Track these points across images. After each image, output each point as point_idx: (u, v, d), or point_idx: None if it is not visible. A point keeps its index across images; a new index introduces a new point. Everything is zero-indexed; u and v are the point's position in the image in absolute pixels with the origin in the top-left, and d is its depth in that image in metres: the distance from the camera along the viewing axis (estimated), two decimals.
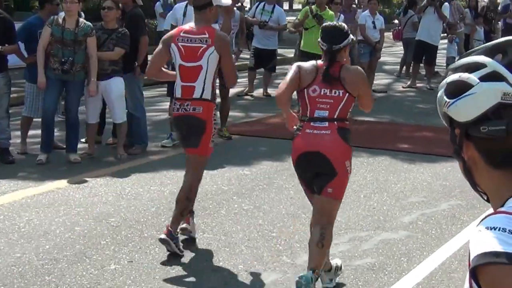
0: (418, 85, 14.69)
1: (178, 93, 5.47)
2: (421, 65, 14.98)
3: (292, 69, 4.69)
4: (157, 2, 17.52)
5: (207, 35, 5.34)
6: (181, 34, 5.45)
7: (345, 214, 6.22)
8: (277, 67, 17.34)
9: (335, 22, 5.07)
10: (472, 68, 1.50)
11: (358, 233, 5.75)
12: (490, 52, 1.50)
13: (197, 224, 5.88)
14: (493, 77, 1.47)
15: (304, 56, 11.20)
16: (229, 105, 9.63)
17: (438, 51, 14.73)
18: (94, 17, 16.56)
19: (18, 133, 8.49)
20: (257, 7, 13.28)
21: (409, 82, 14.52)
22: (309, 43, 11.21)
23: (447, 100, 1.53)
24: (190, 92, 5.38)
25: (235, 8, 9.84)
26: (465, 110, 1.49)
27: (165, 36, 5.74)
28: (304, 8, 11.73)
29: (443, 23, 14.50)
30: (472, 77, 1.49)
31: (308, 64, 4.68)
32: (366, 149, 8.79)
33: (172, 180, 7.30)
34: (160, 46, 5.56)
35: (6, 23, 8.01)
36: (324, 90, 4.57)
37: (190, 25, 5.53)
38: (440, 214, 6.34)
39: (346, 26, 4.76)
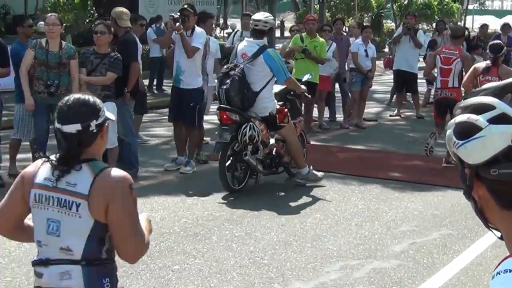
0: (407, 113, 14.85)
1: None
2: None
3: None
4: (149, 28, 17.70)
5: None
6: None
7: (337, 242, 6.29)
8: None
9: None
10: (480, 109, 1.49)
11: (350, 262, 5.81)
12: (499, 93, 1.49)
13: (188, 250, 5.94)
14: (502, 119, 1.46)
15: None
16: (203, 131, 9.67)
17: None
18: (85, 41, 16.72)
19: (8, 156, 8.53)
20: (234, 35, 13.43)
21: (395, 111, 14.70)
22: (300, 70, 11.34)
23: (456, 140, 1.51)
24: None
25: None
26: (474, 152, 1.48)
27: None
28: (295, 36, 11.84)
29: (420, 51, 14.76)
30: (481, 120, 1.47)
31: None
32: (357, 177, 8.89)
33: (162, 206, 7.35)
34: None
35: (0, 47, 8.09)
36: None
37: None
38: (431, 243, 6.42)
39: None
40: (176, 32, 8.66)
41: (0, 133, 8.45)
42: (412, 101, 15.53)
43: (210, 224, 6.74)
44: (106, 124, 2.93)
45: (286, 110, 8.29)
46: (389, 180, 8.84)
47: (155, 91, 17.47)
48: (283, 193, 8.08)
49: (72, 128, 2.82)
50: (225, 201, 7.59)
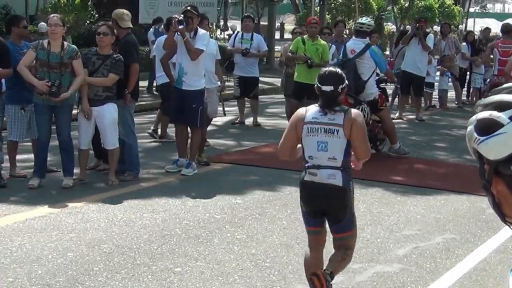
0: (409, 116, 14.85)
1: None
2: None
3: None
4: (150, 29, 17.70)
5: None
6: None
7: None
8: (266, 96, 17.51)
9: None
10: (502, 106, 1.53)
11: (352, 265, 5.77)
12: None
13: (189, 252, 5.92)
14: None
15: (298, 87, 11.34)
16: (205, 133, 9.70)
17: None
18: (86, 42, 16.73)
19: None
20: (235, 37, 13.45)
21: (397, 114, 14.69)
22: (302, 74, 11.33)
23: (477, 136, 1.55)
24: None
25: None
26: (495, 148, 1.52)
27: None
28: (296, 39, 11.80)
29: (429, 54, 14.73)
30: (503, 117, 1.52)
31: None
32: (359, 180, 8.82)
33: (164, 208, 7.34)
34: None
35: (1, 47, 8.08)
36: None
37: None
38: (434, 247, 6.40)
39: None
40: (178, 34, 8.65)
41: (1, 133, 8.43)
42: (412, 104, 15.53)
43: (212, 227, 6.73)
44: (345, 88, 4.85)
45: (384, 96, 10.45)
46: (391, 184, 8.83)
47: (155, 92, 17.45)
48: (284, 196, 8.06)
49: (327, 88, 4.75)
50: (227, 204, 7.58)
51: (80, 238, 6.23)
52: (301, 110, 4.88)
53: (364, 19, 11.03)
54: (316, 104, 4.82)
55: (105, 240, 6.19)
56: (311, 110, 4.80)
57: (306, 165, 4.79)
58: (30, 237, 6.20)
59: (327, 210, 4.86)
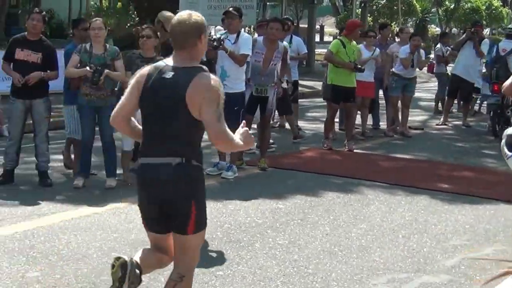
0: (454, 122, 14.74)
1: None
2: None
3: None
4: None
5: None
6: None
7: (383, 254, 6.29)
8: (307, 100, 17.54)
9: None
10: None
11: (397, 275, 5.80)
12: None
13: (231, 256, 6.00)
14: None
15: (336, 90, 11.35)
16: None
17: None
18: (126, 45, 16.99)
19: (56, 156, 8.73)
20: None
21: (442, 119, 14.58)
22: (340, 77, 11.32)
23: (507, 152, 1.61)
24: None
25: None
26: None
27: None
28: (335, 42, 11.75)
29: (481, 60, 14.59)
30: None
31: None
32: (403, 187, 8.85)
33: None
34: None
35: (49, 50, 8.33)
36: None
37: None
38: (484, 259, 6.31)
39: None
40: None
41: (49, 134, 8.66)
42: (459, 110, 15.41)
43: (253, 231, 6.79)
44: None
45: None
46: (438, 192, 8.77)
47: None
48: (326, 202, 8.10)
49: None
50: (268, 208, 7.64)
51: (124, 238, 6.37)
52: None
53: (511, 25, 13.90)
54: None
55: (148, 241, 6.27)
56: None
57: None
58: (75, 235, 6.37)
59: None
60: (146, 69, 4.10)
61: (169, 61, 4.07)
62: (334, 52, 11.31)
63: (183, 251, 4.12)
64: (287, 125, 13.17)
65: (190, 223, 4.03)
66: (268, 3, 36.47)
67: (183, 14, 4.09)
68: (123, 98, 4.13)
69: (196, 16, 4.08)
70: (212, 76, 4.00)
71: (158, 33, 8.45)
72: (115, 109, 4.12)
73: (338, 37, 13.46)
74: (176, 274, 4.13)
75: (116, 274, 3.95)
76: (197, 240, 4.15)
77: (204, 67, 4.05)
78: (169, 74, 3.97)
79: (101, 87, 8.10)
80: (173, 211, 4.03)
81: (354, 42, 11.52)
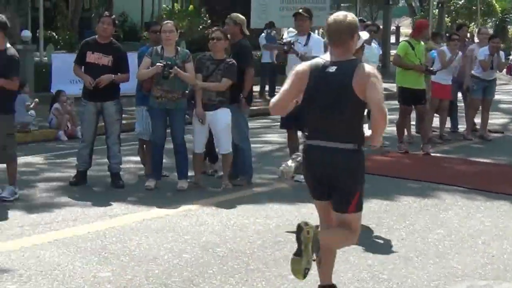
0: None
1: None
2: None
3: None
4: (261, 34, 17.94)
5: None
6: None
7: (462, 260, 6.12)
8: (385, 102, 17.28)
9: None
10: None
11: (477, 282, 5.63)
12: None
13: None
14: None
15: (404, 92, 11.17)
16: None
17: None
18: (198, 47, 17.20)
19: (128, 158, 8.86)
20: None
21: None
22: (408, 79, 11.13)
23: None
24: None
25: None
26: None
27: None
28: (402, 44, 11.48)
29: None
30: None
31: None
32: (482, 192, 8.62)
33: (277, 214, 7.42)
34: None
35: (120, 53, 8.48)
36: None
37: None
38: None
39: None
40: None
41: (121, 136, 8.83)
42: None
43: None
44: None
45: None
46: None
47: (268, 97, 17.69)
48: (401, 206, 7.96)
49: None
50: None
51: (195, 240, 6.40)
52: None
53: None
54: None
55: (219, 244, 6.33)
56: None
57: None
58: (147, 237, 6.45)
59: None
60: (305, 65, 4.73)
61: (326, 57, 4.65)
62: (401, 56, 11.13)
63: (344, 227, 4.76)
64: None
65: (352, 204, 4.66)
66: (342, 4, 36.25)
67: (339, 15, 4.64)
68: (283, 89, 4.72)
69: (351, 17, 4.64)
70: (368, 65, 4.63)
71: (228, 35, 8.48)
72: (276, 99, 4.77)
73: (405, 38, 13.20)
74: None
75: (304, 235, 4.60)
76: (357, 219, 4.77)
77: (358, 59, 4.73)
78: (332, 68, 4.56)
79: (172, 90, 8.16)
80: (339, 191, 4.64)
81: (422, 43, 11.33)
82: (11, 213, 7.17)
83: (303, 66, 4.72)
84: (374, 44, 11.11)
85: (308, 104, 4.68)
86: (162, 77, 8.10)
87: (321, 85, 4.58)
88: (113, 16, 8.66)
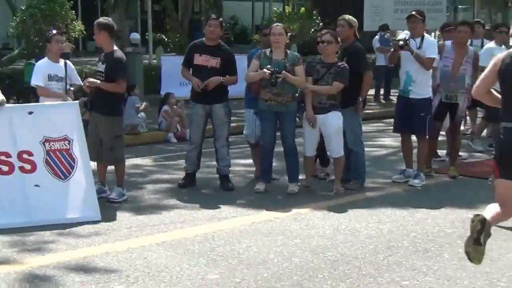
0: None
1: None
2: None
3: None
4: (375, 37, 17.73)
5: None
6: None
7: None
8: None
9: None
10: None
11: None
12: None
13: (417, 266, 5.81)
14: None
15: None
16: (434, 144, 9.60)
17: None
18: (310, 51, 17.19)
19: (237, 161, 8.95)
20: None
21: None
22: None
23: None
24: None
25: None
26: None
27: None
28: None
29: None
30: None
31: None
32: None
33: (390, 218, 7.28)
34: None
35: (228, 55, 8.55)
36: None
37: None
38: None
39: None
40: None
41: (230, 138, 8.93)
42: None
43: (441, 241, 6.55)
44: None
45: None
46: None
47: (382, 101, 17.48)
48: None
49: None
50: (457, 218, 7.33)
51: (305, 244, 6.36)
52: None
53: None
54: None
55: (330, 248, 6.26)
56: None
57: None
58: (256, 240, 6.47)
59: None
60: (501, 55, 5.18)
61: None
62: None
63: None
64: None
65: None
66: (459, 6, 35.42)
67: None
68: (483, 74, 5.22)
69: None
70: None
71: (338, 38, 8.41)
72: (477, 84, 5.28)
73: None
74: None
75: (475, 227, 4.96)
76: None
77: None
78: None
79: (281, 93, 8.17)
80: None
81: None
82: (119, 215, 7.37)
83: (500, 55, 5.19)
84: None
85: (504, 86, 5.12)
86: (270, 84, 8.13)
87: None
88: (220, 19, 8.75)
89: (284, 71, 8.10)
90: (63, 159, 7.22)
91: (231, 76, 8.48)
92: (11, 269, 5.62)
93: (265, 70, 8.11)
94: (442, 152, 10.51)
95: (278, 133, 8.50)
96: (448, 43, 9.43)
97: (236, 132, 10.85)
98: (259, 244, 6.32)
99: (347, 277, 5.55)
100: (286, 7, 28.93)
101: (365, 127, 10.70)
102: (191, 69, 8.57)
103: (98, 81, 7.79)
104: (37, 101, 8.37)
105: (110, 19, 8.10)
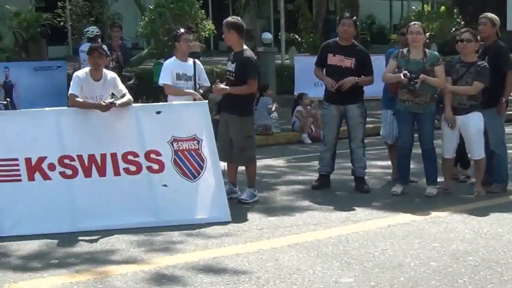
0: None
1: None
2: None
3: None
4: None
5: None
6: None
7: None
8: None
9: None
10: None
11: None
12: None
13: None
14: None
15: None
16: None
17: None
18: (450, 50, 16.71)
19: (374, 162, 8.80)
20: None
21: None
22: None
23: None
24: None
25: None
26: None
27: None
28: None
29: None
30: None
31: None
32: None
33: None
34: None
35: (363, 55, 8.44)
36: None
37: None
38: None
39: None
40: None
41: (367, 140, 8.84)
42: None
43: None
44: None
45: None
46: None
47: None
48: None
49: None
50: None
51: (444, 248, 6.18)
52: None
53: None
54: None
55: (470, 252, 6.03)
56: None
57: None
58: (392, 243, 6.33)
59: None
60: None
61: None
62: None
63: None
64: None
65: None
66: None
67: None
68: None
69: None
70: None
71: (478, 37, 8.12)
72: None
73: None
74: None
75: None
76: None
77: None
78: None
79: (419, 93, 7.98)
80: None
81: None
82: (250, 216, 7.40)
83: None
84: None
85: None
86: (407, 89, 7.95)
87: None
88: (354, 18, 8.63)
89: (422, 75, 7.91)
90: (192, 159, 7.25)
91: (366, 76, 8.36)
92: (138, 269, 5.72)
93: (401, 75, 7.96)
94: None
95: (416, 135, 8.32)
96: None
97: (373, 133, 10.70)
98: (395, 247, 6.19)
99: (488, 283, 5.33)
100: (425, 5, 28.31)
101: (508, 129, 10.26)
102: (324, 69, 8.52)
103: (227, 88, 7.83)
104: (166, 101, 8.43)
105: (239, 18, 8.16)
